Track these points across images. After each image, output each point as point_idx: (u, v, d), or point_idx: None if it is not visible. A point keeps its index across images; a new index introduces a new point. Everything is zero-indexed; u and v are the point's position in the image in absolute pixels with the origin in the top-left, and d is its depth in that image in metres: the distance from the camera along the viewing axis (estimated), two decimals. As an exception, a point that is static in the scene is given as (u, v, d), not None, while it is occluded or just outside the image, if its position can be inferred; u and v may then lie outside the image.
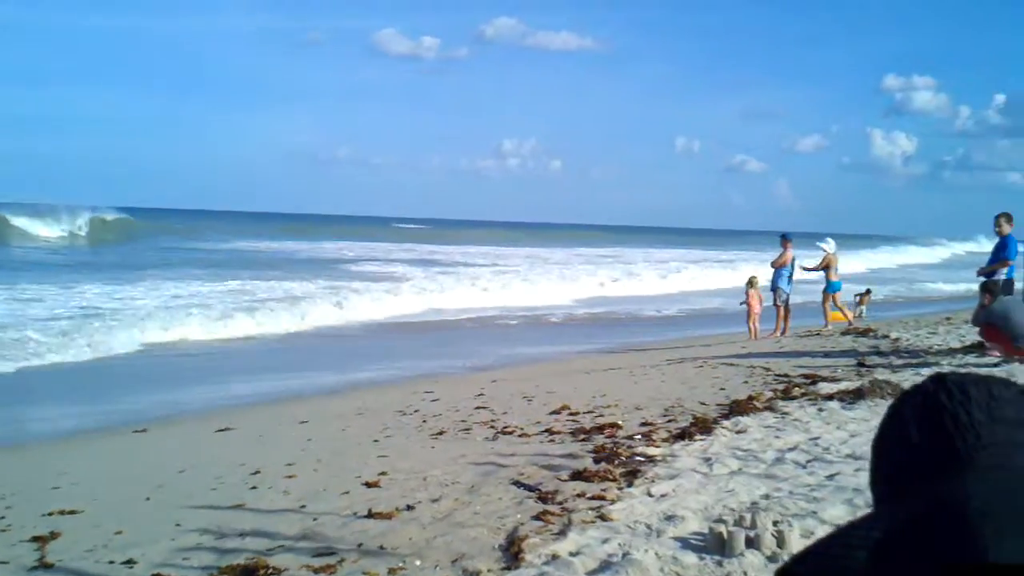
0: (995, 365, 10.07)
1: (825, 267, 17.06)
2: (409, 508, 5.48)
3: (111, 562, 4.88)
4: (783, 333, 16.46)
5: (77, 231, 48.35)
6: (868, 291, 22.63)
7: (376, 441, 7.75)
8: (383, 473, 6.42)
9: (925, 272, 44.44)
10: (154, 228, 58.43)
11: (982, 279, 12.28)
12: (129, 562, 4.84)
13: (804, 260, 18.03)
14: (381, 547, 4.80)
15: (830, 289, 17.10)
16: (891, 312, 22.19)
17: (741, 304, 17.05)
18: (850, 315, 17.49)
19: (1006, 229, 12.00)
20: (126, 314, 17.76)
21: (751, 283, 16.87)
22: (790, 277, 16.94)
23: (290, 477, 6.53)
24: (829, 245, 17.18)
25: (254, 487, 6.33)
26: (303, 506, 5.72)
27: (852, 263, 49.00)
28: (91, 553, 5.06)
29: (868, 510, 0.86)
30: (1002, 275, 12.01)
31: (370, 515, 5.35)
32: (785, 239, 17.07)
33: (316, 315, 19.65)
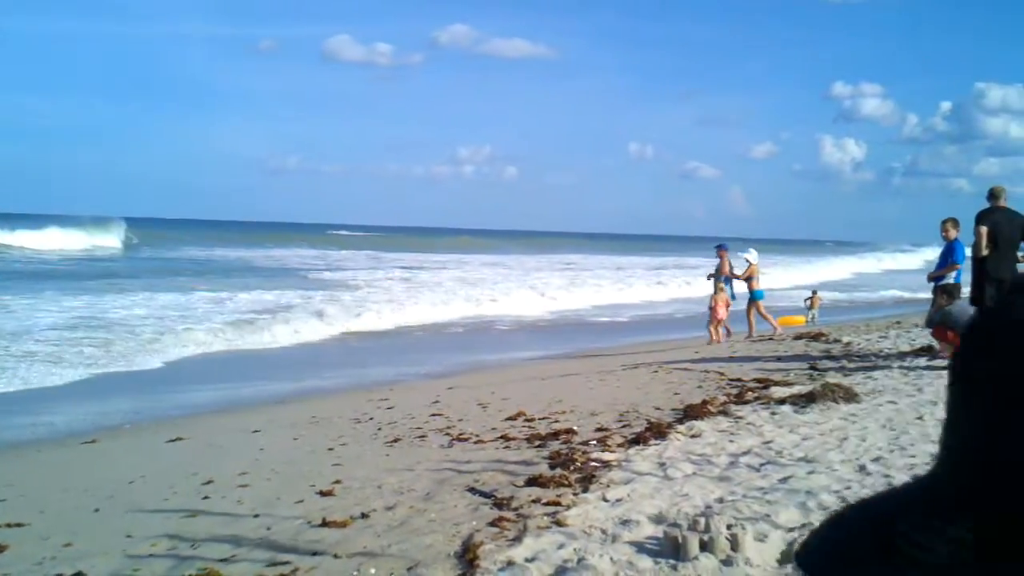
0: (945, 368, 10.25)
1: (748, 277, 17.30)
2: (364, 516, 5.46)
3: (60, 575, 4.80)
4: (728, 334, 16.86)
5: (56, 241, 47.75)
6: (815, 292, 22.99)
7: (330, 449, 7.70)
8: (337, 481, 6.38)
9: (906, 277, 44.78)
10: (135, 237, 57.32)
11: (932, 284, 12.52)
12: (79, 574, 4.76)
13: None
14: (336, 555, 4.77)
15: (754, 297, 17.35)
16: (842, 316, 22.51)
17: (709, 308, 17.33)
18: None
19: (952, 234, 12.23)
20: (119, 330, 16.90)
21: (718, 289, 17.16)
22: (729, 283, 17.32)
23: (243, 486, 6.46)
24: (752, 255, 17.46)
25: (207, 497, 6.26)
26: (257, 515, 5.66)
27: (836, 269, 50.11)
28: (39, 566, 4.97)
29: (825, 512, 0.54)
30: (950, 279, 12.23)
31: (324, 523, 5.31)
32: (721, 248, 17.52)
33: (300, 326, 19.05)
